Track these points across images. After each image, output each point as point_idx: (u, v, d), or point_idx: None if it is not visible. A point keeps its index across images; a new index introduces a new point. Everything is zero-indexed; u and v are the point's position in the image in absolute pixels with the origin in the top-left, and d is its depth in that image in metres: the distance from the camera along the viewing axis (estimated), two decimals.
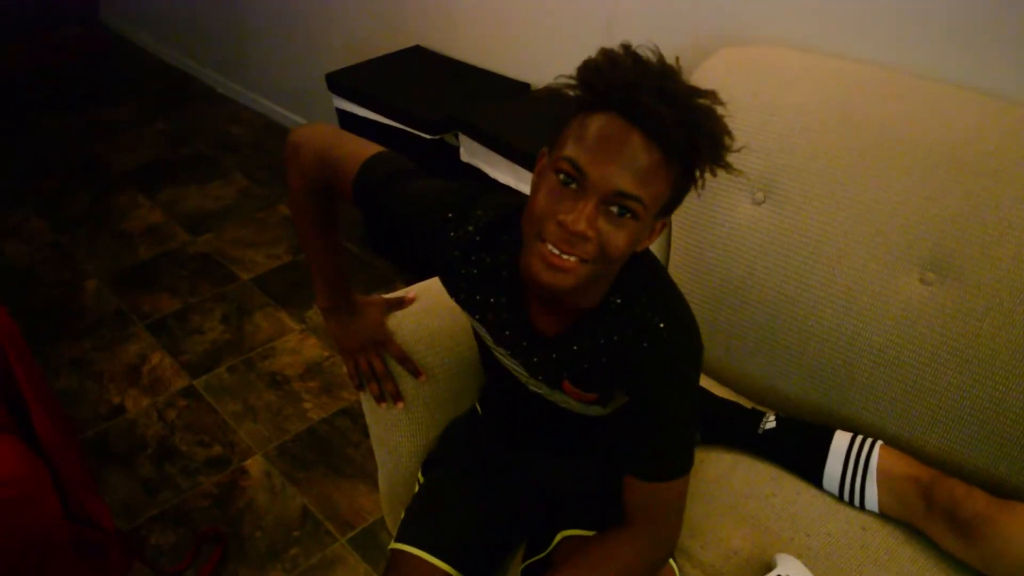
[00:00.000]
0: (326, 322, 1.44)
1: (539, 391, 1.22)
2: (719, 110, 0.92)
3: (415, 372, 1.41)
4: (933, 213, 1.35)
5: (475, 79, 2.57)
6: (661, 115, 0.87)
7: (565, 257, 0.93)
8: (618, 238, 0.92)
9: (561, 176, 0.92)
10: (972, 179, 1.32)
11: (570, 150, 0.91)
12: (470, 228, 1.15)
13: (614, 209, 0.91)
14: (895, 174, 1.39)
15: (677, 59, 0.93)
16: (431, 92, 2.49)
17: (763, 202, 1.50)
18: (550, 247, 0.93)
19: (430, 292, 1.47)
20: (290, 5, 3.41)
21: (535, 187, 0.96)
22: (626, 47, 0.93)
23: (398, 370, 1.41)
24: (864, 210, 1.40)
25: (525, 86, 2.49)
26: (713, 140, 0.91)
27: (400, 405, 1.42)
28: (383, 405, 1.43)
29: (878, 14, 1.64)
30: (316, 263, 1.39)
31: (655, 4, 2.05)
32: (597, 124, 0.90)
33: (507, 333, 1.16)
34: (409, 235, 1.22)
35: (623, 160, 0.89)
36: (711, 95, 0.92)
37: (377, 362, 1.41)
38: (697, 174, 0.94)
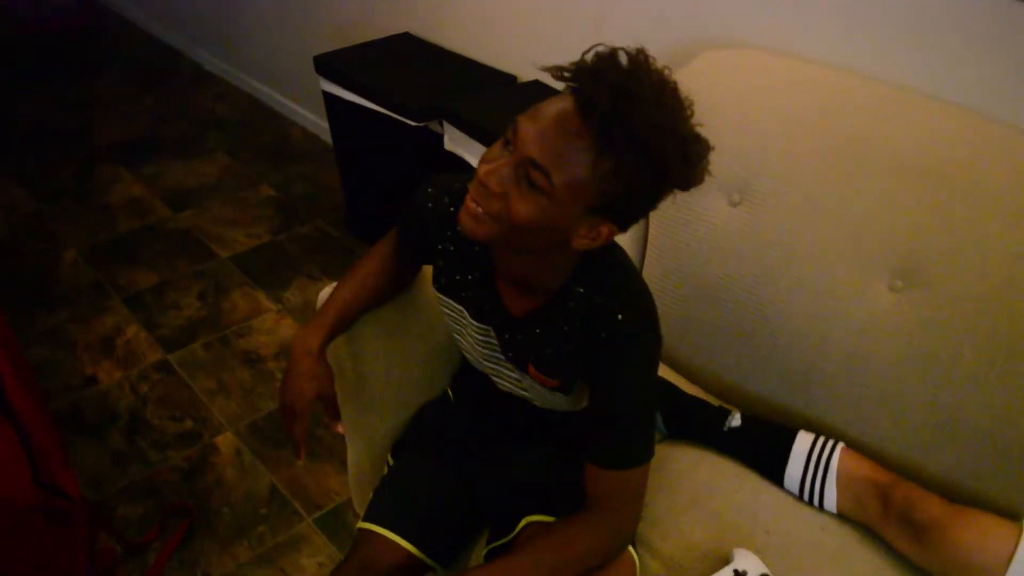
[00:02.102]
0: (298, 361, 1.25)
1: (507, 386, 1.25)
2: (693, 123, 0.93)
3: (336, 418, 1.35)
4: (904, 221, 1.37)
5: (462, 69, 2.58)
6: (598, 103, 0.89)
7: (474, 207, 0.99)
8: (520, 205, 0.95)
9: (503, 138, 0.97)
10: (943, 190, 1.35)
11: (520, 116, 0.95)
12: (445, 199, 1.19)
13: (524, 175, 0.94)
14: (868, 181, 1.41)
15: (665, 68, 0.94)
16: (418, 79, 2.49)
17: (739, 203, 1.53)
18: (469, 197, 0.99)
19: None
20: None
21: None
22: (615, 48, 0.94)
23: (366, 349, 1.41)
24: (837, 216, 1.43)
25: (512, 78, 2.51)
26: (656, 156, 0.91)
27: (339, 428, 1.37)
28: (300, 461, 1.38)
29: (858, 23, 1.66)
30: (341, 303, 1.31)
31: (642, 4, 2.07)
32: (552, 100, 0.94)
33: (486, 307, 1.19)
34: (412, 233, 1.28)
35: (548, 132, 0.92)
36: (674, 96, 0.92)
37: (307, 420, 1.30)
38: (627, 170, 0.92)
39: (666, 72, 0.94)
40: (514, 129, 0.95)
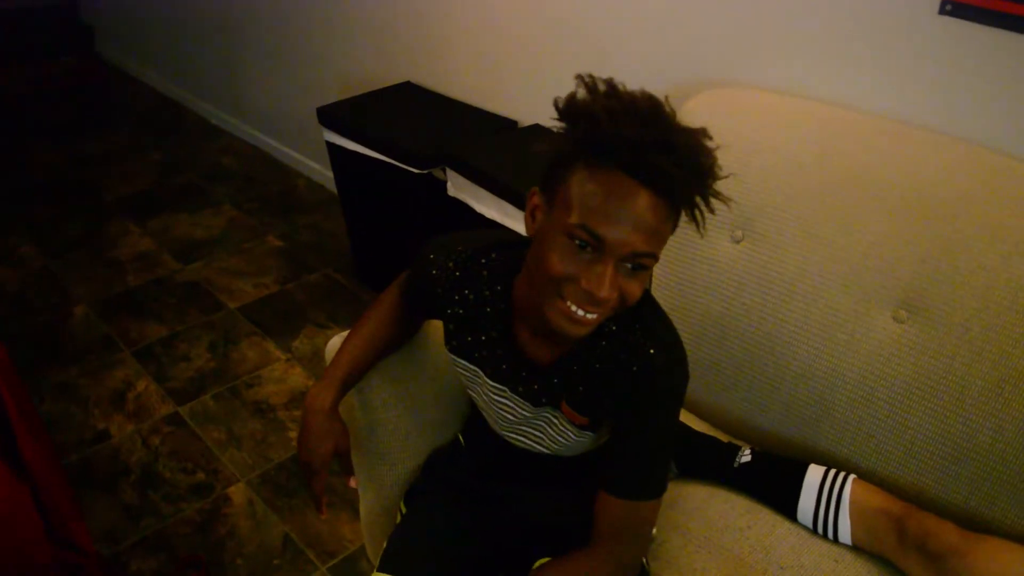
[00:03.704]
0: (312, 418, 1.25)
1: (524, 444, 1.25)
2: (710, 146, 0.96)
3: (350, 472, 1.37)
4: (905, 253, 1.38)
5: (464, 116, 2.62)
6: (671, 175, 0.91)
7: (590, 317, 0.99)
8: (635, 288, 0.99)
9: (576, 242, 0.95)
10: (943, 221, 1.37)
11: (582, 216, 0.94)
12: (450, 264, 1.20)
13: (629, 265, 0.97)
14: (869, 215, 1.43)
15: (667, 98, 0.96)
16: (420, 127, 2.53)
17: (741, 240, 1.54)
18: (572, 306, 0.98)
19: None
20: (284, 39, 3.47)
21: (544, 242, 0.99)
22: (611, 86, 0.97)
23: (375, 398, 1.42)
24: (839, 249, 1.44)
25: (513, 123, 2.54)
26: (714, 179, 0.96)
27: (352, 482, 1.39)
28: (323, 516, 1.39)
29: (854, 60, 1.69)
30: (351, 358, 1.31)
31: (640, 47, 2.10)
32: (604, 185, 0.93)
33: (503, 367, 1.19)
34: (418, 298, 1.29)
35: (636, 222, 0.93)
36: (701, 133, 0.96)
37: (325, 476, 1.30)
38: (698, 214, 0.98)
39: (654, 95, 0.97)
40: (592, 235, 0.94)
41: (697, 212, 0.98)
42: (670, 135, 0.92)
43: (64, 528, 1.60)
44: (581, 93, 0.98)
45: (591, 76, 0.98)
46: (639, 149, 0.91)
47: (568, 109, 0.97)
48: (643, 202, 0.92)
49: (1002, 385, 1.29)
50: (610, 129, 0.92)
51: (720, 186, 0.97)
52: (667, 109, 0.95)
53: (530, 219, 1.05)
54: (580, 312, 0.99)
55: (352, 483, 1.36)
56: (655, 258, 0.97)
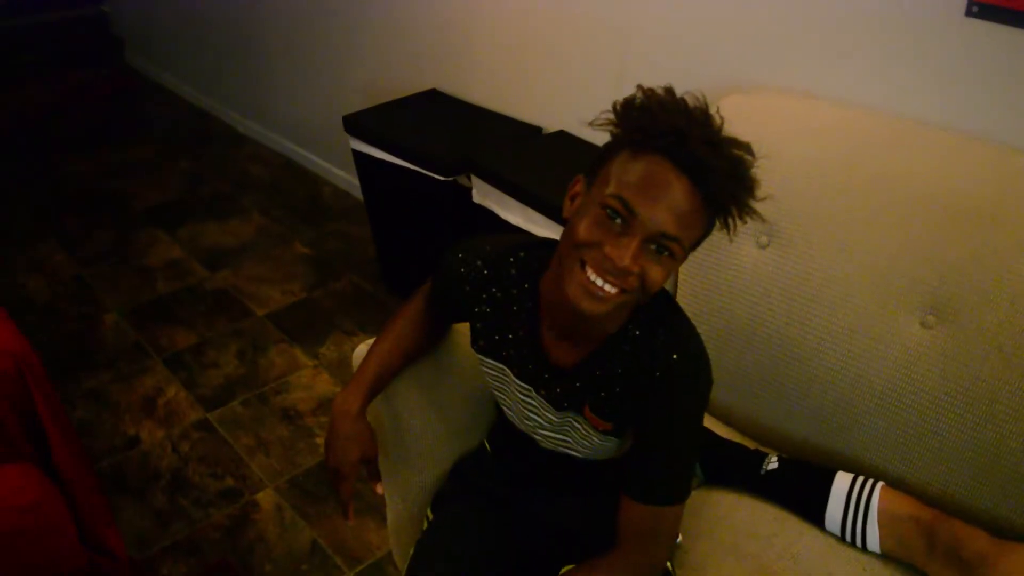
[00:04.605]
0: (339, 423, 1.28)
1: (550, 444, 1.25)
2: (751, 160, 0.98)
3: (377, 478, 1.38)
4: (932, 258, 1.38)
5: (489, 123, 2.63)
6: (711, 166, 0.93)
7: (608, 288, 0.99)
8: (657, 273, 0.99)
9: (608, 211, 0.97)
10: (971, 225, 1.36)
11: (619, 188, 0.97)
12: (478, 263, 1.21)
13: (653, 247, 0.98)
14: (896, 219, 1.42)
15: (718, 109, 0.99)
16: (445, 135, 2.54)
17: (767, 246, 1.54)
18: (591, 275, 0.99)
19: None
20: (310, 49, 3.50)
21: (577, 213, 1.02)
22: (669, 91, 0.99)
23: (403, 403, 1.43)
24: (865, 254, 1.43)
25: (537, 130, 2.55)
26: (750, 190, 0.98)
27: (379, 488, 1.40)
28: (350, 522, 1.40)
29: (880, 63, 1.69)
30: (378, 364, 1.32)
31: (664, 52, 2.10)
32: (646, 165, 0.96)
33: (529, 367, 1.20)
34: (446, 298, 1.30)
35: (669, 203, 0.95)
36: (747, 147, 0.98)
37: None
38: (730, 222, 0.99)
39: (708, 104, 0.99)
40: (625, 206, 0.96)
41: (729, 219, 0.99)
42: (712, 131, 0.96)
43: (97, 533, 1.62)
44: (639, 97, 1.00)
45: (651, 87, 1.01)
46: (684, 138, 0.93)
47: (624, 106, 1.00)
48: (680, 187, 0.95)
49: None
50: (660, 117, 0.95)
51: (763, 200, 1.00)
52: (717, 116, 0.98)
53: (568, 202, 1.08)
54: (599, 282, 0.99)
55: (379, 489, 1.37)
56: (681, 245, 0.98)
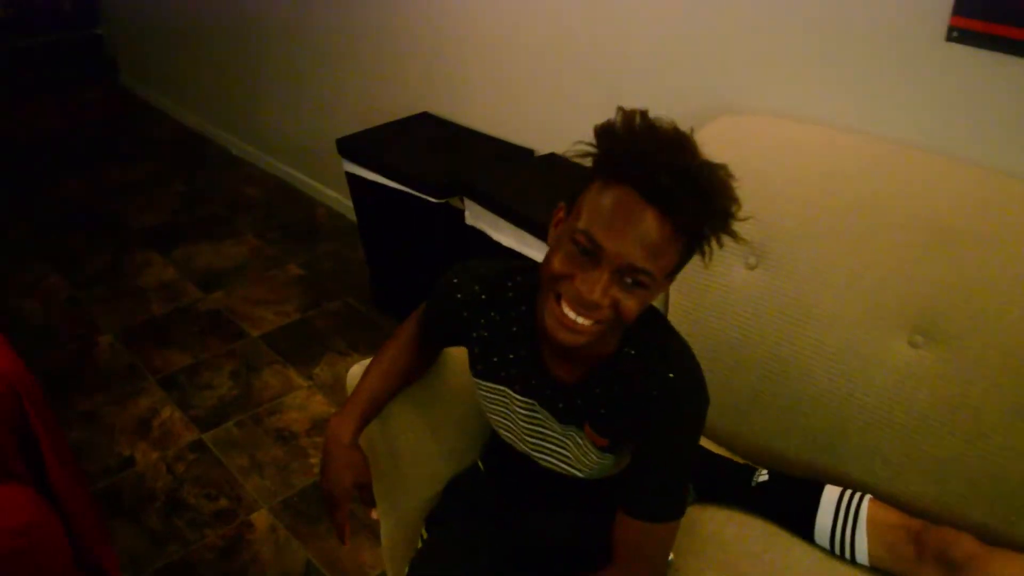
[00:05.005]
0: (333, 450, 1.28)
1: (549, 462, 1.27)
2: (730, 183, 0.98)
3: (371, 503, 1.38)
4: (920, 278, 1.40)
5: (481, 145, 2.66)
6: (676, 195, 0.93)
7: (581, 321, 1.01)
8: (631, 303, 1.00)
9: (577, 247, 0.98)
10: (957, 245, 1.38)
11: (588, 223, 0.97)
12: (476, 288, 1.23)
13: (628, 280, 0.98)
14: (882, 240, 1.44)
15: (691, 129, 0.99)
16: (438, 157, 2.56)
17: (756, 267, 1.56)
18: (565, 309, 1.01)
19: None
20: (304, 72, 3.53)
21: (553, 245, 1.04)
22: (643, 114, 0.99)
23: (396, 424, 1.44)
24: (853, 275, 1.45)
25: (529, 152, 2.57)
26: (724, 216, 0.98)
27: (374, 514, 1.40)
28: (345, 545, 1.42)
29: (864, 87, 1.72)
30: (371, 390, 1.33)
31: (655, 74, 2.13)
32: (613, 197, 0.97)
33: (532, 382, 1.22)
34: (441, 322, 1.31)
35: (637, 236, 0.95)
36: (723, 169, 0.98)
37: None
38: (706, 247, 1.01)
39: (679, 126, 0.99)
40: (592, 241, 0.97)
41: (705, 245, 1.00)
42: (686, 161, 0.95)
43: (92, 555, 1.62)
44: (618, 119, 1.01)
45: (631, 109, 1.01)
46: (651, 167, 0.94)
47: (600, 131, 1.01)
48: (648, 218, 0.95)
49: (1021, 408, 1.30)
50: (628, 146, 0.96)
51: (744, 221, 1.00)
52: (690, 140, 0.98)
53: (553, 229, 1.10)
54: (572, 315, 1.01)
55: (374, 515, 1.38)
56: (652, 277, 0.98)
